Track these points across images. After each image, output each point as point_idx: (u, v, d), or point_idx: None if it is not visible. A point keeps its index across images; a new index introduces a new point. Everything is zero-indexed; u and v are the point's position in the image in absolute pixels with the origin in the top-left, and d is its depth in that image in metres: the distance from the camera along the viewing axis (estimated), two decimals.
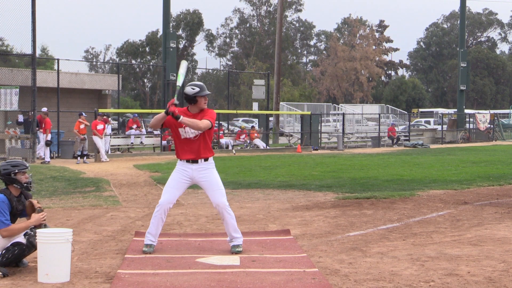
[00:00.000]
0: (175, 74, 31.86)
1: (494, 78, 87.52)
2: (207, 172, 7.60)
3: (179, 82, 7.64)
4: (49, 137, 23.34)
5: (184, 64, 7.75)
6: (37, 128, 23.16)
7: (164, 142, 28.38)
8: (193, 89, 7.51)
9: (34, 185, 7.09)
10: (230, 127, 40.64)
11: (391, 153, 29.32)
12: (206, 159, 7.61)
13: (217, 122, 31.49)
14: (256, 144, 31.78)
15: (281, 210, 11.26)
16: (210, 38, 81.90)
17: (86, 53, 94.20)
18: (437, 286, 6.15)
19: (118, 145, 28.36)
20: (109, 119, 28.93)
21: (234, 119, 51.88)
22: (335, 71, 77.15)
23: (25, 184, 6.92)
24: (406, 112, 51.95)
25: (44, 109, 24.10)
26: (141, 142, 29.05)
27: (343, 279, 6.39)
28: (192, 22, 74.78)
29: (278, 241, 8.37)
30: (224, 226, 7.83)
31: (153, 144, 29.37)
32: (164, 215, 7.68)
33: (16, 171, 6.88)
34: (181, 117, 7.31)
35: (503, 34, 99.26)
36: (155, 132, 29.25)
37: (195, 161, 7.59)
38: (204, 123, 7.42)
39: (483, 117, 45.69)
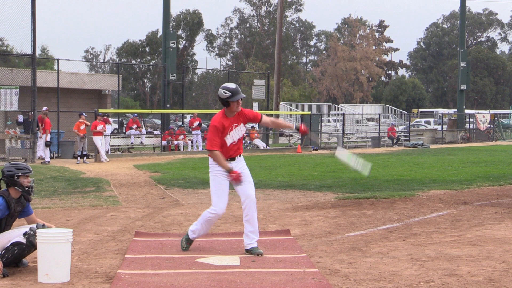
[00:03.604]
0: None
1: (494, 78, 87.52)
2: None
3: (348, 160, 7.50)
4: (48, 137, 23.34)
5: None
6: (36, 128, 23.16)
7: (164, 142, 28.38)
8: (225, 93, 7.46)
9: (34, 189, 7.06)
10: None
11: (391, 153, 29.31)
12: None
13: None
14: (256, 144, 31.78)
15: (281, 210, 11.25)
16: (210, 38, 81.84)
17: (86, 53, 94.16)
18: (437, 286, 6.15)
19: (118, 145, 28.36)
20: (109, 119, 28.92)
21: None
22: (335, 71, 77.13)
23: (27, 188, 6.90)
24: (406, 112, 51.95)
25: (45, 108, 24.08)
26: (141, 142, 29.05)
27: (343, 279, 6.39)
28: (192, 22, 74.73)
29: (278, 241, 8.36)
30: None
31: (153, 144, 29.38)
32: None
33: (20, 174, 6.87)
34: None
35: (503, 34, 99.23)
36: (155, 132, 29.27)
37: (233, 158, 7.63)
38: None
39: (483, 117, 45.69)
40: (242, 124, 7.60)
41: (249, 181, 7.55)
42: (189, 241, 7.75)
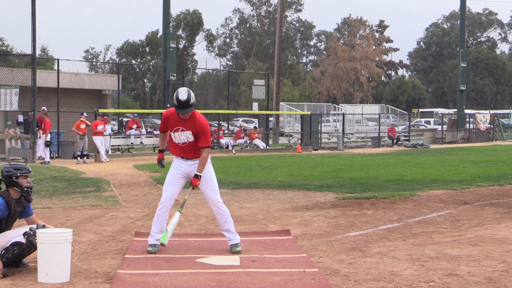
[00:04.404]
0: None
1: (494, 78, 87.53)
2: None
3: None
4: (48, 137, 23.34)
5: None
6: (36, 128, 23.16)
7: None
8: (174, 100, 7.38)
9: (34, 190, 7.05)
10: (230, 127, 40.64)
11: (391, 153, 29.31)
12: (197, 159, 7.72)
13: (217, 122, 31.51)
14: (256, 144, 31.78)
15: (281, 210, 11.25)
16: (210, 38, 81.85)
17: (86, 53, 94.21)
18: (437, 286, 6.15)
19: (118, 145, 28.36)
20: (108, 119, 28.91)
21: (234, 119, 51.89)
22: (335, 71, 77.14)
23: (26, 189, 6.88)
24: (406, 112, 51.95)
25: (43, 108, 24.07)
26: (141, 142, 29.04)
27: (343, 279, 6.39)
28: (192, 22, 74.73)
29: (278, 241, 8.36)
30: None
31: (153, 144, 29.36)
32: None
33: (18, 174, 6.85)
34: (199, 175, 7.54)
35: (503, 34, 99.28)
36: (155, 132, 29.25)
37: (188, 158, 7.77)
38: (206, 154, 7.54)
39: (483, 117, 45.68)
40: (190, 132, 7.54)
41: (211, 185, 7.62)
42: (152, 245, 7.69)
